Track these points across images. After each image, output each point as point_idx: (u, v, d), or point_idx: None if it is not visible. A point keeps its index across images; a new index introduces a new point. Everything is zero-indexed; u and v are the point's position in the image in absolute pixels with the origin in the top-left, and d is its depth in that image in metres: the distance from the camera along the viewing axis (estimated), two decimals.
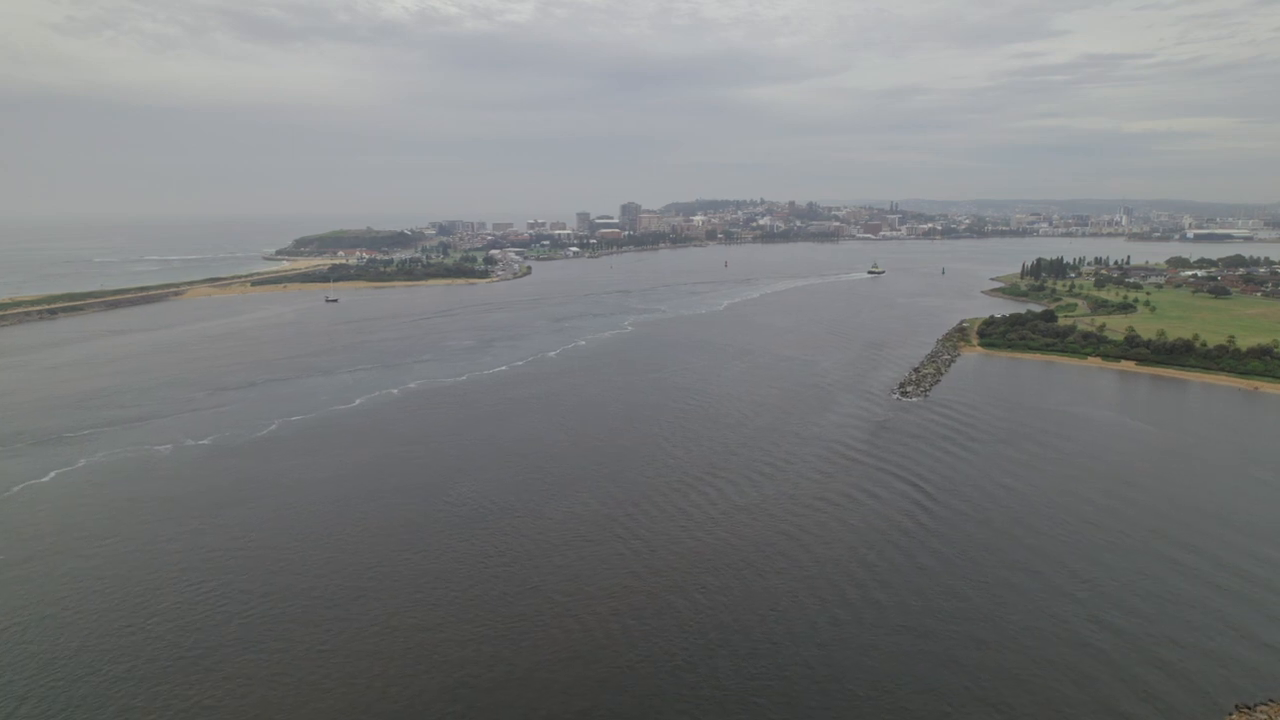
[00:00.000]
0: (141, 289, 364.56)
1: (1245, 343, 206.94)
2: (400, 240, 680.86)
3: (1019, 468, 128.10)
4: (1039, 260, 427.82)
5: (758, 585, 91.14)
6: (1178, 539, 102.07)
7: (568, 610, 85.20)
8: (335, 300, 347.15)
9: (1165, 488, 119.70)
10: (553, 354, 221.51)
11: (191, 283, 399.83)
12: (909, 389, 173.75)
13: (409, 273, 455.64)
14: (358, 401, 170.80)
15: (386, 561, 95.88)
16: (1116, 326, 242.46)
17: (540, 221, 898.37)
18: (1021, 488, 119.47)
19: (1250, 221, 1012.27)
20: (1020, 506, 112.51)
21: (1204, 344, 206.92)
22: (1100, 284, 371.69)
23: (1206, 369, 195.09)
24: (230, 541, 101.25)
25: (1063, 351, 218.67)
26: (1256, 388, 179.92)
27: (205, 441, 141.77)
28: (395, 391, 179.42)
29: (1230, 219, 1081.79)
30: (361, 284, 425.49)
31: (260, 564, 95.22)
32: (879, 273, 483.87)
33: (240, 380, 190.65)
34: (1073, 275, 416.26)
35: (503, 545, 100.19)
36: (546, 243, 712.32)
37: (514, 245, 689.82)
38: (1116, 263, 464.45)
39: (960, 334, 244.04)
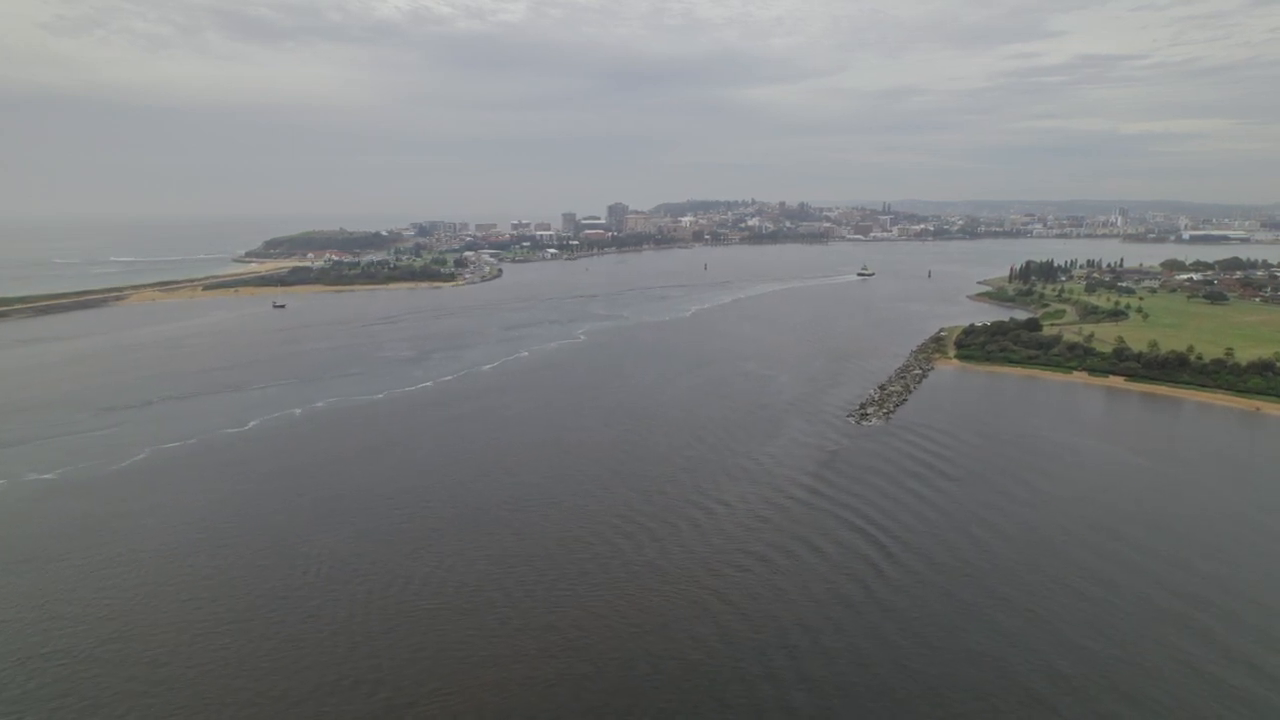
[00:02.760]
0: (80, 293, 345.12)
1: (1244, 355, 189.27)
2: (374, 241, 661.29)
3: (990, 514, 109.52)
4: (1028, 263, 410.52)
5: (663, 662, 73.40)
6: (1184, 616, 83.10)
7: (413, 706, 67.11)
8: (282, 306, 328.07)
9: (1162, 543, 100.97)
10: (488, 367, 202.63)
11: (137, 286, 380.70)
12: (869, 411, 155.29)
13: (371, 276, 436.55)
14: (251, 424, 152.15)
15: (187, 642, 77.22)
16: (1105, 336, 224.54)
17: (524, 222, 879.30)
18: (993, 541, 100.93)
19: (1247, 222, 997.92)
20: (991, 566, 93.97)
21: (1199, 357, 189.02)
22: (1091, 288, 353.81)
23: (1202, 386, 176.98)
24: None
25: (1046, 365, 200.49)
26: (1258, 408, 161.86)
27: (50, 476, 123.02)
28: (298, 412, 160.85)
29: (1227, 220, 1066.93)
30: (320, 287, 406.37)
31: None
32: (869, 274, 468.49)
33: (137, 398, 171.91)
34: (1063, 278, 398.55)
35: (343, 620, 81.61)
36: (527, 244, 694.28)
37: (493, 246, 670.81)
38: (1109, 265, 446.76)
39: (936, 344, 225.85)
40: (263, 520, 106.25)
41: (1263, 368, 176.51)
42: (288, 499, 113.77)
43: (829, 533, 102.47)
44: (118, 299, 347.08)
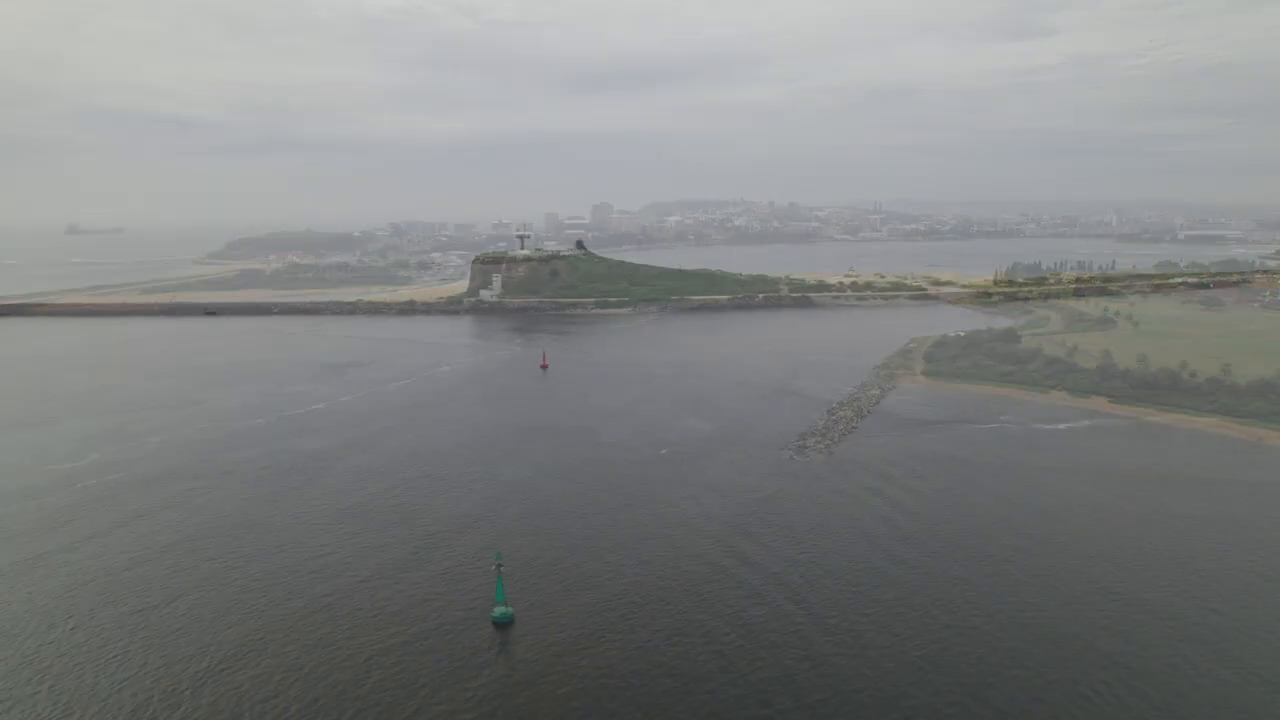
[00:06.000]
0: None
1: (1243, 372, 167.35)
2: (343, 243, 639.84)
3: (950, 596, 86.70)
4: (1014, 266, 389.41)
5: None
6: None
7: None
8: (214, 313, 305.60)
9: (1164, 615, 78.89)
10: (346, 398, 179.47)
11: (65, 291, 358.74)
12: (808, 442, 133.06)
13: (325, 280, 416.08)
14: None
15: None
16: (1090, 347, 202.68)
17: (505, 223, 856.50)
18: (960, 624, 78.68)
19: (1244, 223, 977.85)
20: (953, 672, 71.70)
21: (1193, 374, 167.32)
22: (1081, 292, 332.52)
23: (1196, 409, 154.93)
24: None
25: (1022, 383, 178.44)
26: (1260, 439, 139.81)
27: None
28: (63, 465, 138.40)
29: (1222, 219, 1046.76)
30: (269, 292, 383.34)
31: None
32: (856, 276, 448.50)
33: None
34: (1051, 282, 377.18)
35: None
36: (502, 245, 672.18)
37: (466, 248, 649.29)
38: (1101, 267, 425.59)
39: (904, 358, 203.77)
40: None
41: (1265, 389, 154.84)
42: None
43: (735, 623, 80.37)
44: (37, 307, 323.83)
